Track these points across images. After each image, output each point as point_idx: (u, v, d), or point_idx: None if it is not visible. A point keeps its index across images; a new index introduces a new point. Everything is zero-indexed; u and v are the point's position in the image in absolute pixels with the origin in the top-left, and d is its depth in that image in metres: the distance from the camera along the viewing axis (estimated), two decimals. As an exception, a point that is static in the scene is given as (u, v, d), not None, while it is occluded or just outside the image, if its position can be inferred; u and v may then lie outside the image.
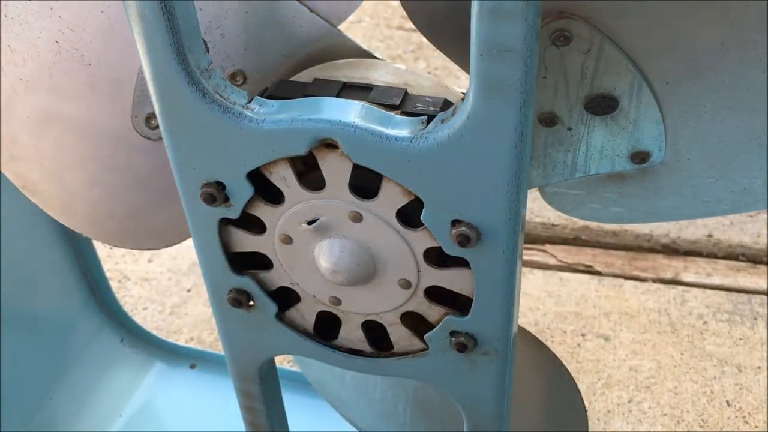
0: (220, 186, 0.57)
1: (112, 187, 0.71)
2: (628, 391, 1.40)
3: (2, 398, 1.12)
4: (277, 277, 0.64)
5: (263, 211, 0.59)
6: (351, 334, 0.66)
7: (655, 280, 1.65)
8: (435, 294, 0.60)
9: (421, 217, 0.53)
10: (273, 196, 0.58)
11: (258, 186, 0.57)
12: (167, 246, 0.77)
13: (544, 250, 1.75)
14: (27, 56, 0.65)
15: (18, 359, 1.15)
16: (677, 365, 1.45)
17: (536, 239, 1.79)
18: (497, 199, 0.50)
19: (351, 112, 0.51)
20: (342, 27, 0.62)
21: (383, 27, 2.65)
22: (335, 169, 0.54)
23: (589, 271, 1.68)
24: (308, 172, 0.56)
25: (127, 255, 1.77)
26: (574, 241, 1.78)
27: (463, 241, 0.52)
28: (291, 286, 0.64)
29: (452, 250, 0.54)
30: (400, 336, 0.64)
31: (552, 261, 1.72)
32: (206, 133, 0.54)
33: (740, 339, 1.50)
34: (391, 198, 0.54)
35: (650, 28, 0.50)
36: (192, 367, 1.35)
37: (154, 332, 1.40)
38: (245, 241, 0.62)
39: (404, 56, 2.50)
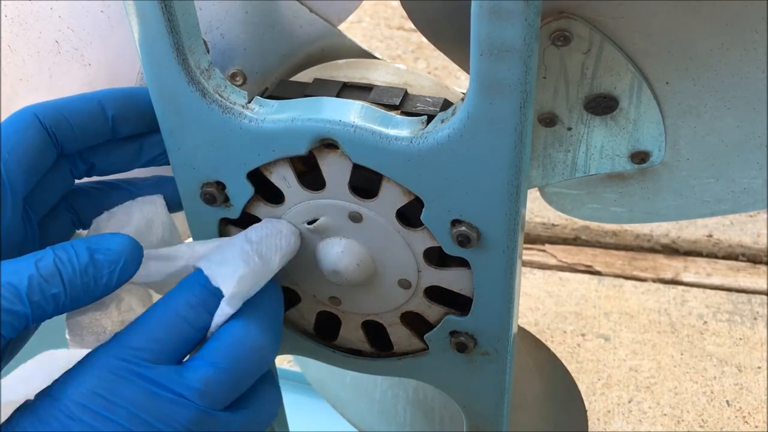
0: (220, 186, 0.57)
1: (112, 187, 0.71)
2: (628, 391, 1.40)
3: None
4: (277, 277, 0.64)
5: (263, 211, 0.59)
6: (351, 334, 0.66)
7: (655, 280, 1.65)
8: (435, 294, 0.60)
9: (421, 217, 0.53)
10: (273, 196, 0.58)
11: (258, 186, 0.57)
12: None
13: (544, 250, 1.75)
14: (27, 56, 0.65)
15: (18, 360, 1.14)
16: (677, 365, 1.45)
17: (536, 239, 1.79)
18: (497, 199, 0.50)
19: (351, 112, 0.51)
20: (342, 27, 0.62)
21: (383, 27, 2.65)
22: (335, 169, 0.54)
23: (589, 271, 1.68)
24: (308, 172, 0.56)
25: (127, 255, 1.77)
26: (574, 241, 1.78)
27: (463, 241, 0.52)
28: (291, 286, 0.64)
29: (452, 250, 0.54)
30: (400, 336, 0.64)
31: (552, 261, 1.72)
32: (206, 133, 0.54)
33: (740, 339, 1.50)
34: (391, 198, 0.54)
35: (650, 28, 0.49)
36: (192, 367, 1.34)
37: (154, 332, 1.39)
38: (245, 241, 0.62)
39: (404, 56, 2.50)
